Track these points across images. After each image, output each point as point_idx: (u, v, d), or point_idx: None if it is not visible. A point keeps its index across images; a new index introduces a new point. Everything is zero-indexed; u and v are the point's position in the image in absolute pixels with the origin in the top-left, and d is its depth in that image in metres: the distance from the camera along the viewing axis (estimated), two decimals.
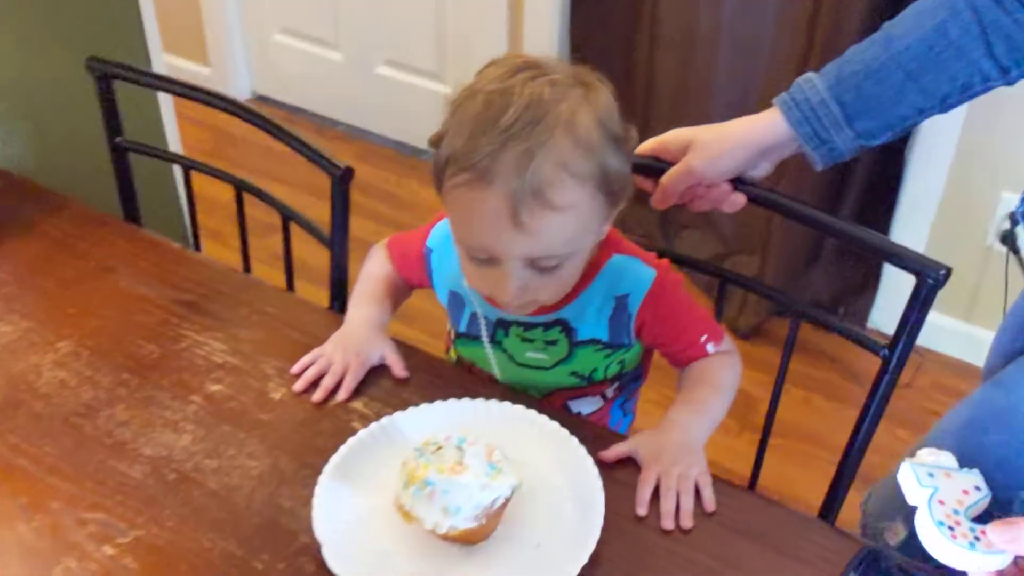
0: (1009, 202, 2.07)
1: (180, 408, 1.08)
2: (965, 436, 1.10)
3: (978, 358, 2.28)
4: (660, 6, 2.21)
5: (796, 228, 2.37)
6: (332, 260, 1.27)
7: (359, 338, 1.13)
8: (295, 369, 1.11)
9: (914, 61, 0.97)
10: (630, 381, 1.21)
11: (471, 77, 0.98)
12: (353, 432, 1.02)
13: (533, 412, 1.04)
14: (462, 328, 1.16)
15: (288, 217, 1.33)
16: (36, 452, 1.02)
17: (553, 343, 1.12)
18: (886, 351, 1.08)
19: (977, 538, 0.70)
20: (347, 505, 0.96)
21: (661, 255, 1.15)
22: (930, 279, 1.01)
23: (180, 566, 0.92)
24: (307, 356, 1.12)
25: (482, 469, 0.91)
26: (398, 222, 2.64)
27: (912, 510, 0.73)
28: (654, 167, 1.09)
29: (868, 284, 2.35)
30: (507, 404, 1.05)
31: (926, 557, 0.73)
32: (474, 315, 1.14)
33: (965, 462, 0.76)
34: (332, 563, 0.89)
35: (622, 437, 1.04)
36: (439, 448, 0.93)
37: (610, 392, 1.19)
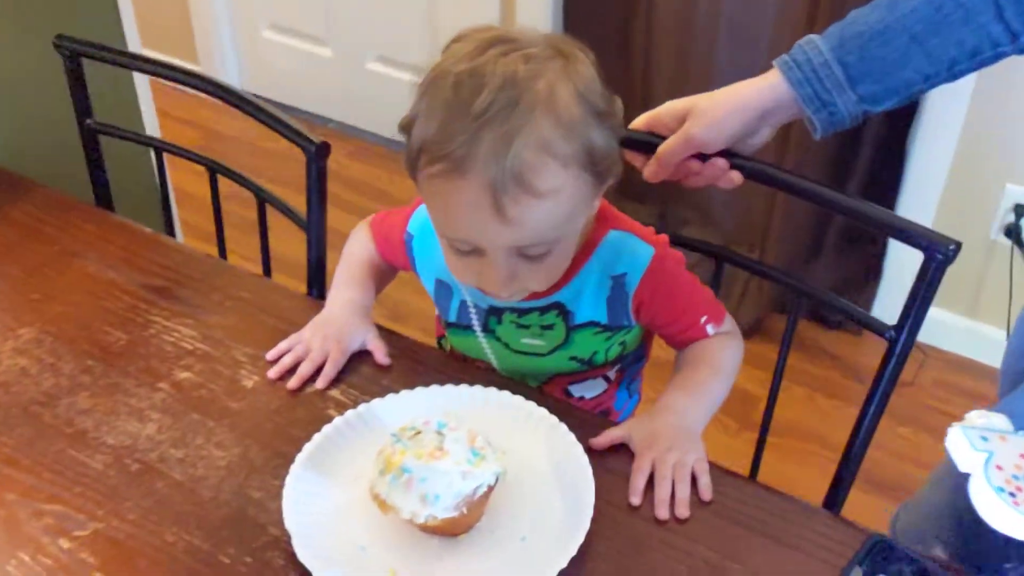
0: (1014, 194, 2.02)
1: (146, 396, 1.02)
2: None
3: (982, 355, 2.24)
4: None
5: (796, 223, 2.35)
6: (309, 243, 1.21)
7: (340, 323, 1.07)
8: (270, 355, 1.06)
9: (920, 23, 0.92)
10: (632, 362, 1.15)
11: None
12: (329, 420, 0.96)
13: (520, 398, 0.98)
14: (451, 317, 1.11)
15: (264, 200, 1.27)
16: None
17: (550, 328, 1.06)
18: (892, 333, 1.03)
19: None
20: (320, 495, 0.90)
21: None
22: (939, 255, 0.96)
23: (139, 560, 0.86)
24: (284, 342, 1.06)
25: (463, 455, 0.86)
26: None
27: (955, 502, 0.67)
28: (643, 141, 1.04)
29: (869, 280, 2.30)
30: (492, 390, 0.99)
31: None
32: (463, 303, 1.08)
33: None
34: (302, 555, 0.83)
35: (614, 424, 0.98)
36: (417, 433, 0.87)
37: (612, 374, 1.13)
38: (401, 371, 1.05)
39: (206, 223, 1.44)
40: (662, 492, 0.89)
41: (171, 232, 1.47)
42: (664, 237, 1.07)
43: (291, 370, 1.04)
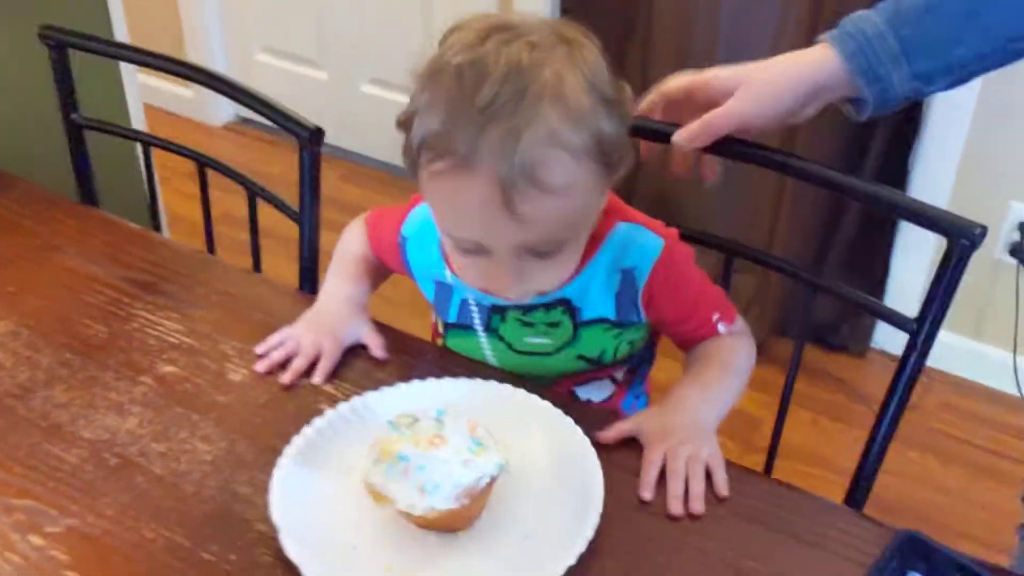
0: (1019, 211, 1.99)
1: (127, 390, 0.96)
2: None
3: (988, 377, 2.20)
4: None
5: (797, 243, 2.31)
6: (301, 236, 1.16)
7: (334, 316, 1.02)
8: (260, 349, 1.00)
9: None
10: (640, 364, 1.09)
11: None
12: (321, 415, 0.91)
13: (522, 392, 0.93)
14: (452, 317, 1.06)
15: (255, 193, 1.23)
16: None
17: (556, 325, 1.01)
18: (913, 325, 0.98)
19: None
20: (310, 489, 0.84)
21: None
22: (964, 240, 0.91)
23: (115, 558, 0.80)
24: (274, 336, 1.01)
25: (464, 444, 0.80)
26: None
27: None
28: (652, 129, 0.99)
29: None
30: (493, 383, 0.94)
31: None
32: (464, 301, 1.03)
33: None
34: (291, 551, 0.77)
35: (622, 419, 0.93)
36: (415, 421, 0.82)
37: (620, 375, 1.07)
38: (398, 366, 1.00)
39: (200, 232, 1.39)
40: (675, 487, 0.84)
41: (158, 229, 1.42)
42: (675, 231, 1.03)
43: (281, 366, 0.99)
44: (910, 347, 0.98)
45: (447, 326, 1.07)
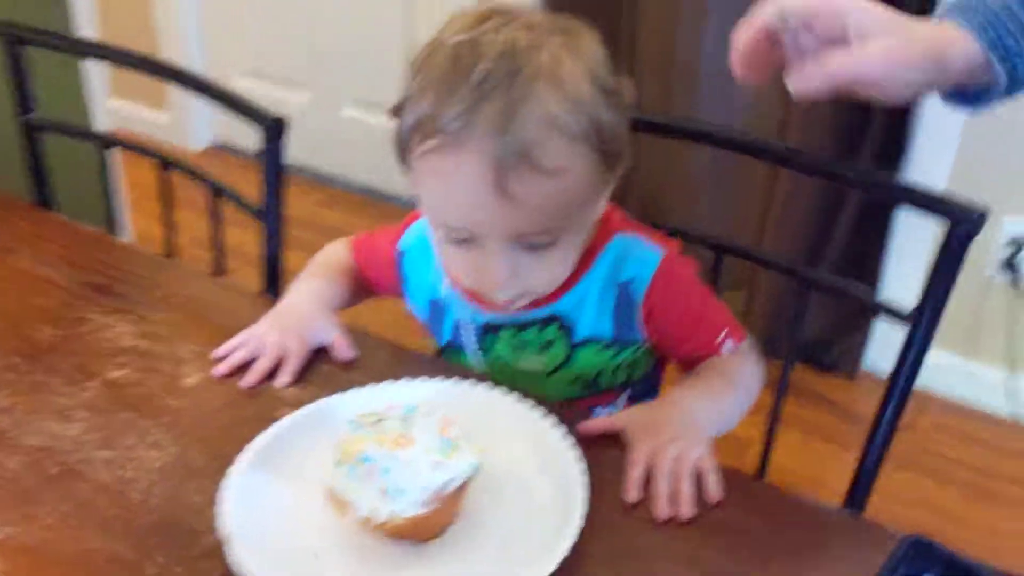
0: (1011, 227, 1.95)
1: (74, 394, 0.90)
2: None
3: (981, 397, 2.15)
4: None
5: (788, 246, 2.25)
6: (265, 236, 1.10)
7: (301, 315, 0.96)
8: (219, 351, 0.94)
9: None
10: (643, 395, 1.03)
11: None
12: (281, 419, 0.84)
13: (501, 391, 0.87)
14: (445, 339, 1.00)
15: (217, 191, 1.17)
16: None
17: (549, 345, 0.95)
18: (911, 321, 0.92)
19: None
20: (267, 497, 0.78)
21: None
22: (966, 225, 0.86)
23: (53, 570, 0.73)
24: (235, 337, 0.95)
25: (434, 445, 0.74)
26: None
27: None
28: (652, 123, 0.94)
29: (860, 323, 2.21)
30: (469, 384, 0.88)
31: None
32: (458, 323, 0.98)
33: None
34: (243, 562, 0.71)
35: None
36: (380, 420, 0.75)
37: (621, 403, 1.01)
38: (370, 368, 0.94)
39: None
40: (661, 486, 0.78)
41: (117, 232, 1.36)
42: (676, 243, 0.97)
43: (242, 369, 0.93)
44: (908, 345, 0.93)
45: (440, 349, 1.02)
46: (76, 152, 1.32)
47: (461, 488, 0.74)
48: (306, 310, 0.96)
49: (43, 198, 1.29)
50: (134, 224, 2.06)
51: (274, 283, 1.12)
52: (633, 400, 1.02)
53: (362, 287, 1.06)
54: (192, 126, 3.05)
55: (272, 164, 1.06)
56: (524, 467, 0.81)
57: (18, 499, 0.79)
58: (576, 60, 0.81)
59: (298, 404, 0.88)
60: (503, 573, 0.73)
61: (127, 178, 1.98)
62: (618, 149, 0.84)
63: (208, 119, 3.08)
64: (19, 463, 0.82)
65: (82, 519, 0.77)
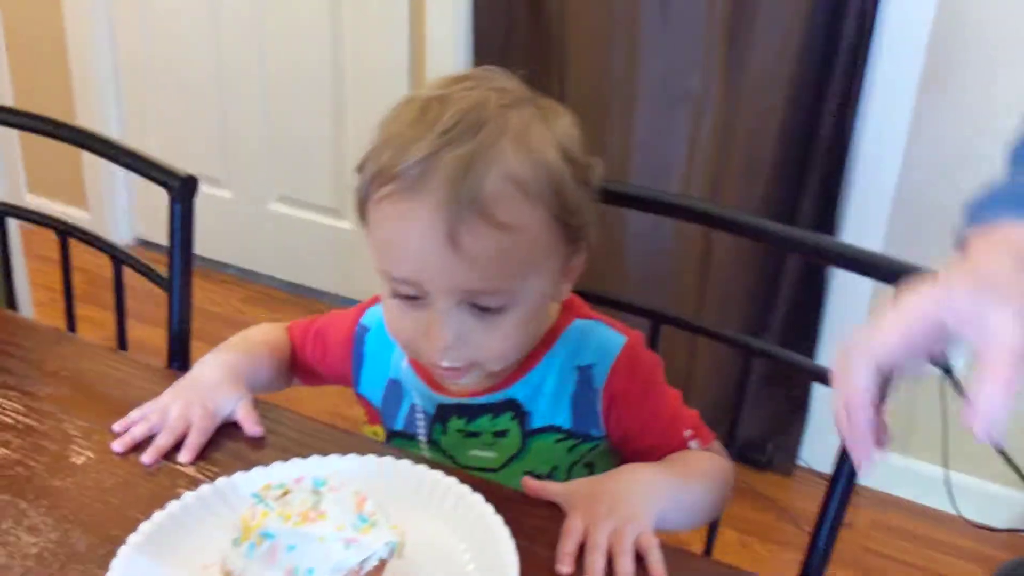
0: None
1: None
2: None
3: (916, 493, 2.11)
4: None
5: (722, 362, 2.22)
6: (171, 305, 1.02)
7: (208, 386, 0.88)
8: (118, 426, 0.85)
9: None
10: None
11: None
12: (178, 498, 0.76)
13: (423, 467, 0.79)
14: (398, 425, 0.93)
15: (120, 261, 1.09)
16: None
17: (502, 435, 0.89)
18: None
19: None
20: None
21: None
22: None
23: None
24: (136, 411, 0.87)
25: (348, 520, 0.66)
26: None
27: None
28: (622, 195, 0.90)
29: (796, 420, 2.18)
30: (388, 459, 0.80)
31: None
32: (413, 408, 0.91)
33: None
34: None
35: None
36: (286, 493, 0.67)
37: None
38: (280, 446, 0.85)
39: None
40: (593, 561, 0.70)
41: (15, 307, 1.26)
42: (639, 333, 0.92)
43: (142, 446, 0.84)
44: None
45: (391, 435, 0.94)
46: None
47: (378, 568, 0.66)
48: (214, 380, 0.88)
49: None
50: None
51: (179, 356, 1.03)
52: None
53: (290, 369, 0.99)
54: (113, 223, 2.96)
55: (181, 227, 1.00)
56: (450, 545, 0.73)
57: None
58: (546, 129, 0.79)
59: (198, 483, 0.79)
60: None
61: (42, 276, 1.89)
62: (580, 222, 0.81)
63: (130, 216, 3.00)
64: None
65: None
